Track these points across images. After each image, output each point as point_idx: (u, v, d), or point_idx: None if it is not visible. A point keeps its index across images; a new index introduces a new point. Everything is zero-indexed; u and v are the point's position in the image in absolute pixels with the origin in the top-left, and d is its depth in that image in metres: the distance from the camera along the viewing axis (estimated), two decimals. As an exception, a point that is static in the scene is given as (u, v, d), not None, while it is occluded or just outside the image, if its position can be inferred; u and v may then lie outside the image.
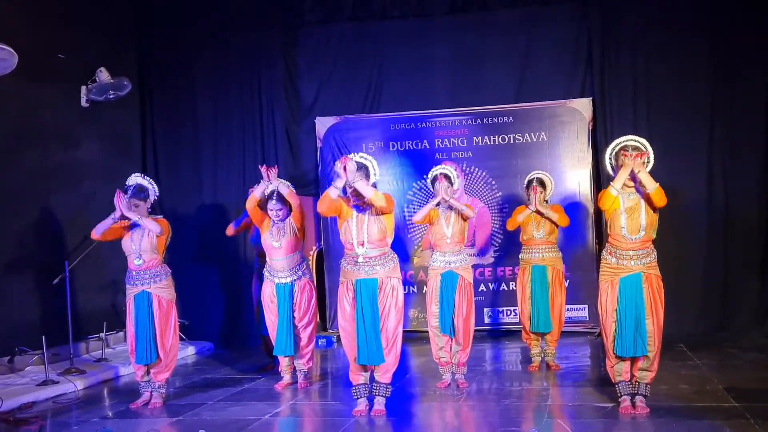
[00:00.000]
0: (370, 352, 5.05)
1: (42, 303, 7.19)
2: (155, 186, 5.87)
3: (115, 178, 7.60)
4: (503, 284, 8.39)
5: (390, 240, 5.22)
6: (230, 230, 6.88)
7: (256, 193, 5.91)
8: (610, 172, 5.01)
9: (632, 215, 4.85)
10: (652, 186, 4.75)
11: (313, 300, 6.18)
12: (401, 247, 8.42)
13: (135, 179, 5.81)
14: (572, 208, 7.95)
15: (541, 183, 6.54)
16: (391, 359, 5.13)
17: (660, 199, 4.80)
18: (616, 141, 5.00)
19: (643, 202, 4.88)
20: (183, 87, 8.94)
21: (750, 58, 7.76)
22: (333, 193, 4.99)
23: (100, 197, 7.99)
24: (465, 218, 5.95)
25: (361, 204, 5.11)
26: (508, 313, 8.31)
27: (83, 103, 7.96)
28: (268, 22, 8.78)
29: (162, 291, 5.67)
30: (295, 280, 6.03)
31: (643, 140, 4.93)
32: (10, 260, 6.98)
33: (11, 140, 7.06)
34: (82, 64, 7.88)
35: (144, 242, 5.62)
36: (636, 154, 4.79)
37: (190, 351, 8.01)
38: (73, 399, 5.98)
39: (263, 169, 5.85)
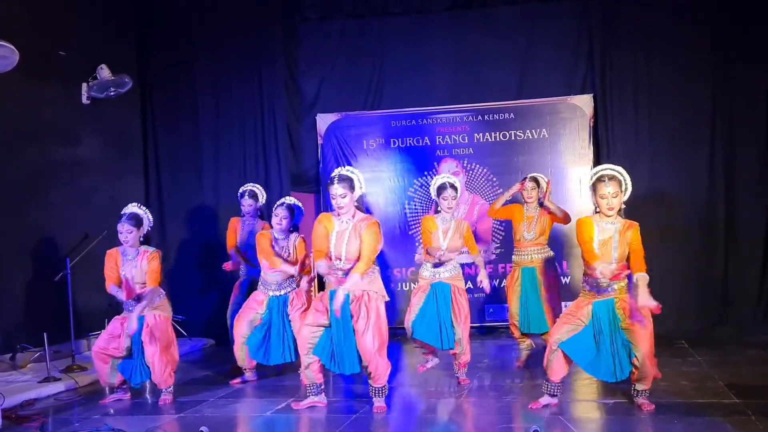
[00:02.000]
0: (340, 361, 5.09)
1: (43, 300, 7.19)
2: (150, 217, 5.83)
3: (116, 175, 7.62)
4: (505, 281, 8.37)
5: (373, 256, 5.11)
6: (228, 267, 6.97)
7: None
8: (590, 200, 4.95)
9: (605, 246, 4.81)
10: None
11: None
12: (402, 244, 8.44)
13: (131, 208, 5.77)
14: (573, 204, 7.95)
15: (535, 181, 6.61)
16: (378, 370, 5.08)
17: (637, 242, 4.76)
18: (594, 170, 4.94)
19: (617, 235, 4.81)
20: (184, 84, 8.94)
21: (751, 54, 7.74)
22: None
23: (100, 194, 8.01)
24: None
25: (347, 216, 5.09)
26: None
27: (84, 100, 7.95)
28: (269, 18, 8.77)
29: (155, 310, 5.64)
30: (289, 291, 6.05)
31: (619, 169, 4.86)
32: (11, 257, 6.99)
33: (12, 137, 7.05)
34: (83, 61, 7.87)
35: (136, 272, 5.62)
36: None
37: (191, 348, 8.02)
38: (74, 396, 5.99)
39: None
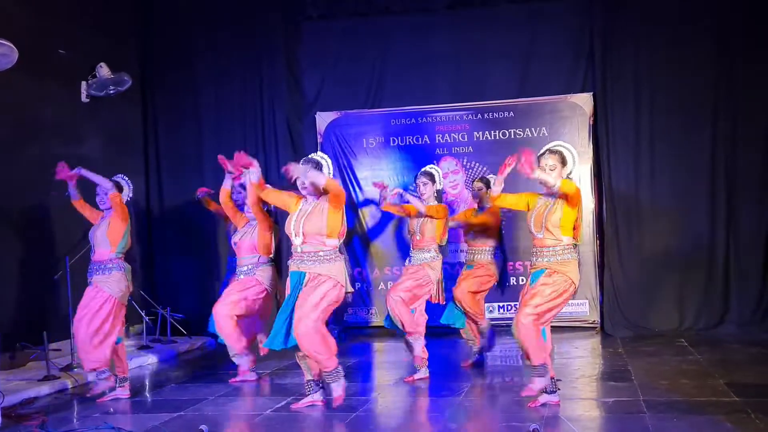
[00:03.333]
0: (274, 337, 5.03)
1: (43, 299, 7.19)
2: (130, 184, 5.94)
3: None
4: (510, 278, 8.37)
5: (333, 241, 5.05)
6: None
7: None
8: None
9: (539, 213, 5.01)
10: (552, 183, 4.85)
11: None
12: (401, 242, 8.43)
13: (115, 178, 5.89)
14: (573, 203, 7.95)
15: (483, 182, 6.57)
16: (313, 348, 4.91)
17: (569, 189, 4.85)
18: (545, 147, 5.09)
19: (556, 204, 4.95)
20: (184, 82, 8.94)
21: (753, 53, 7.75)
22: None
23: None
24: (438, 217, 6.00)
25: (313, 196, 5.11)
26: (509, 308, 8.31)
27: (83, 98, 7.95)
28: (270, 16, 8.78)
29: (105, 284, 5.61)
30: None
31: (566, 144, 5.05)
32: (11, 256, 6.99)
33: (11, 135, 7.05)
34: (83, 59, 7.87)
35: (98, 232, 5.68)
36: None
37: (191, 346, 8.03)
38: (74, 394, 5.98)
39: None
